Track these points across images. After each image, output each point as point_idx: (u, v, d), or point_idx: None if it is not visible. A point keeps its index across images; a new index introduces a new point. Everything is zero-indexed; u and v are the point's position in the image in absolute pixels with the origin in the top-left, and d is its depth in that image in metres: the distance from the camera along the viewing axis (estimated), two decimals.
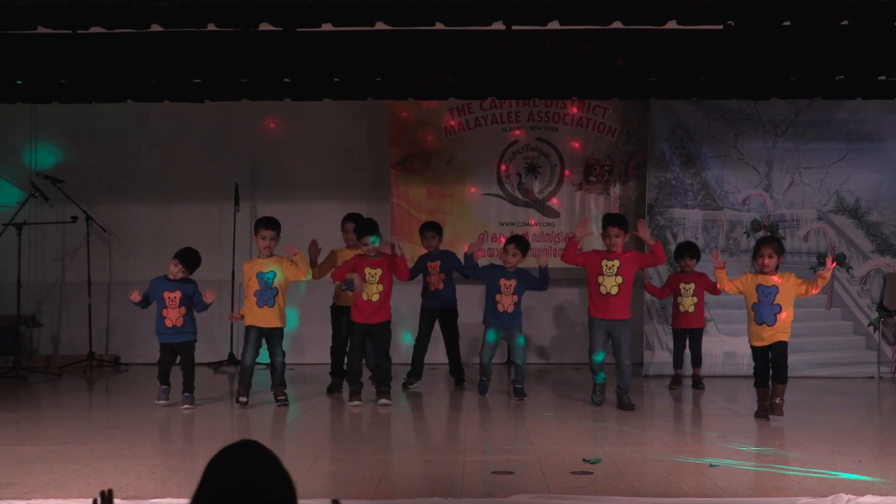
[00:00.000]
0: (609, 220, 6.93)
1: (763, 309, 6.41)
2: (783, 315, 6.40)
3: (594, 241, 9.11)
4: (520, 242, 7.31)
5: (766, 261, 6.40)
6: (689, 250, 7.96)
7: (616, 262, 6.78)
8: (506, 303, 7.22)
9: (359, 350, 7.07)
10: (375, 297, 6.90)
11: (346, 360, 7.49)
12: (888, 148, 8.74)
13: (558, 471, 4.85)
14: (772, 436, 5.99)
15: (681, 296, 7.92)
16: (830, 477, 4.77)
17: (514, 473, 4.81)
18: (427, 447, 5.74)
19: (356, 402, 6.97)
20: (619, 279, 6.77)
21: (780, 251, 6.49)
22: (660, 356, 8.75)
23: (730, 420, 6.85)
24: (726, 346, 8.62)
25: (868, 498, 4.20)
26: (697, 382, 8.02)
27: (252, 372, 7.03)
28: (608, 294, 6.79)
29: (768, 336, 6.43)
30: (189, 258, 7.10)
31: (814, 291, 6.45)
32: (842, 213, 8.75)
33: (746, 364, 8.48)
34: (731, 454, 5.50)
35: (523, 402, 7.25)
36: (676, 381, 8.10)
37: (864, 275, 8.73)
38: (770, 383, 6.49)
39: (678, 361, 8.08)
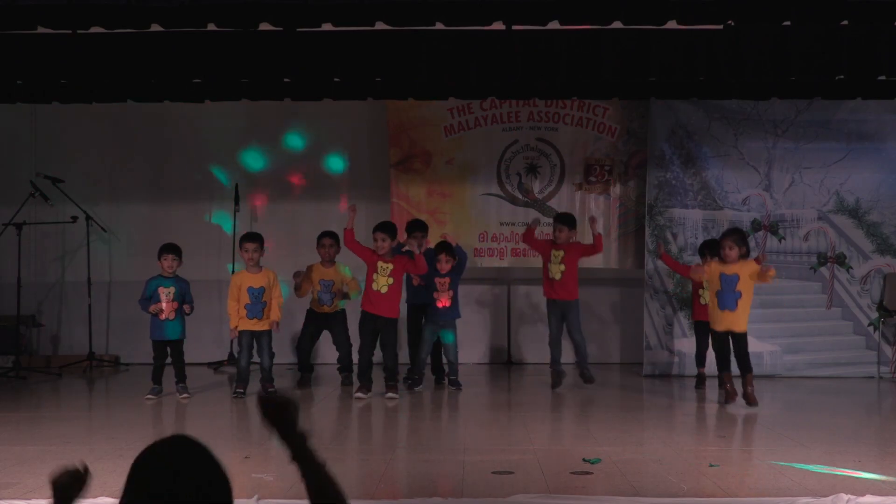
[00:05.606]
0: (557, 220, 8.01)
1: (725, 296, 6.96)
2: (743, 301, 6.95)
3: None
4: (448, 249, 7.75)
5: (727, 251, 6.97)
6: (708, 248, 7.74)
7: (561, 253, 7.83)
8: (443, 300, 7.74)
9: (369, 345, 7.41)
10: (384, 290, 7.34)
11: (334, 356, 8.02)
12: (888, 148, 8.73)
13: (558, 471, 4.86)
14: (772, 436, 5.99)
15: (702, 288, 7.72)
16: (830, 477, 4.77)
17: (514, 473, 4.81)
18: (427, 447, 5.74)
19: (361, 395, 7.32)
20: (563, 267, 7.80)
21: (741, 243, 7.02)
22: (660, 356, 8.75)
23: (730, 420, 6.85)
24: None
25: (868, 498, 4.21)
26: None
27: (248, 372, 7.53)
28: (553, 279, 7.85)
29: (728, 321, 6.98)
30: (174, 248, 7.55)
31: (765, 281, 7.04)
32: (842, 213, 8.74)
33: None
34: (731, 454, 5.51)
35: (460, 391, 7.73)
36: (701, 380, 7.94)
37: (864, 275, 8.72)
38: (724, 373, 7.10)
39: (701, 359, 7.95)
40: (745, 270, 6.95)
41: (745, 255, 7.06)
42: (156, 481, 1.81)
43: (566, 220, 7.95)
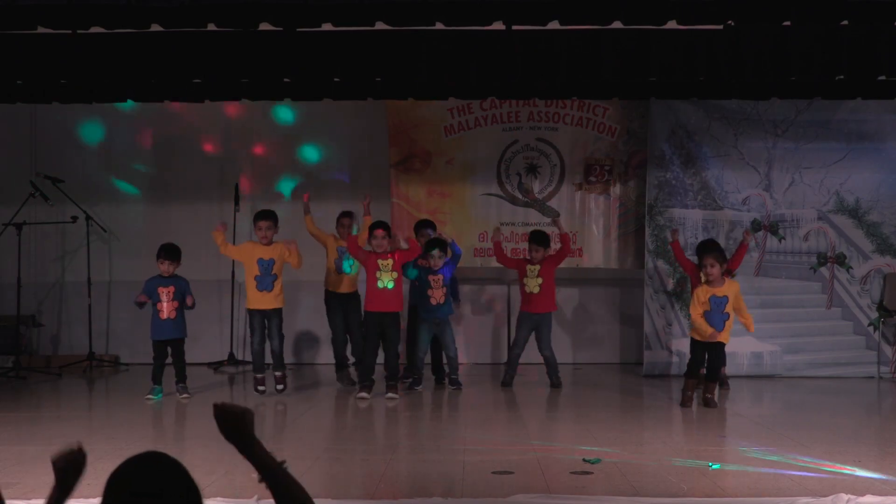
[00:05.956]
0: (533, 240, 8.08)
1: (714, 317, 6.96)
2: (729, 321, 7.00)
3: (594, 244, 9.12)
4: (442, 245, 7.83)
5: (709, 270, 6.97)
6: (704, 248, 7.38)
7: (537, 267, 8.01)
8: (437, 296, 7.76)
9: (376, 347, 7.51)
10: (391, 285, 7.43)
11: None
12: (888, 148, 8.73)
13: (558, 471, 4.86)
14: (772, 436, 5.99)
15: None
16: (830, 477, 4.77)
17: (514, 473, 4.81)
18: (427, 447, 5.74)
19: (364, 395, 7.33)
20: (540, 280, 7.98)
21: (722, 259, 7.11)
22: (660, 356, 8.75)
23: (729, 420, 6.85)
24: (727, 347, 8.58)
25: (868, 498, 4.21)
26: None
27: (263, 355, 7.58)
28: (531, 293, 7.99)
29: (712, 336, 6.98)
30: (172, 252, 7.53)
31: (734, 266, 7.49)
32: (842, 213, 8.74)
33: (746, 364, 8.52)
34: (730, 454, 5.51)
35: (460, 391, 7.75)
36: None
37: (864, 275, 8.72)
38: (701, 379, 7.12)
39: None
40: (731, 291, 7.04)
41: (727, 272, 7.21)
42: (129, 496, 1.85)
43: (542, 241, 8.05)
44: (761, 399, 7.84)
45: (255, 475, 2.14)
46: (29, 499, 4.16)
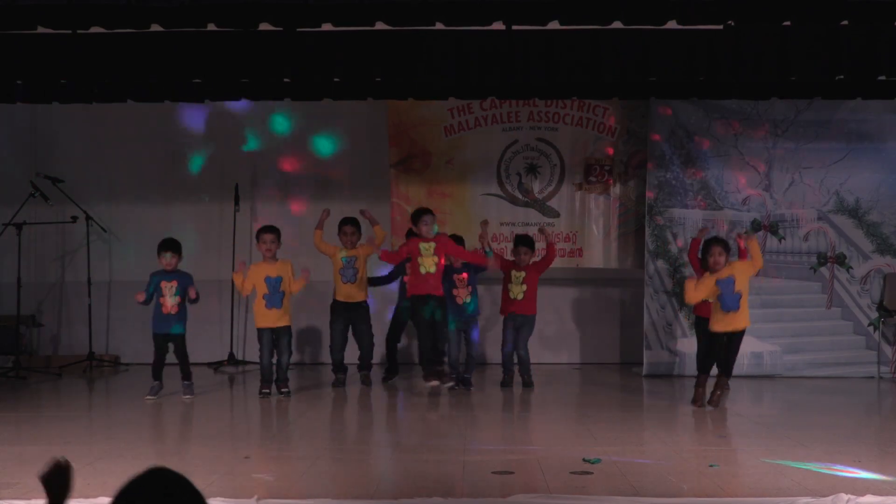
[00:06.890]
0: (520, 242, 8.08)
1: (727, 298, 6.92)
2: (743, 299, 6.96)
3: (594, 244, 9.12)
4: (458, 239, 7.94)
5: (717, 258, 7.00)
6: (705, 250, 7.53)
7: (522, 274, 7.97)
8: (462, 294, 7.86)
9: (426, 331, 7.39)
10: (433, 269, 7.35)
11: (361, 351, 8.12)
12: (888, 148, 8.73)
13: (558, 471, 4.86)
14: (772, 436, 5.99)
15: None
16: (830, 477, 4.77)
17: (514, 473, 4.81)
18: (427, 447, 5.74)
19: (434, 383, 7.38)
20: (524, 287, 7.96)
21: (727, 249, 7.14)
22: (660, 356, 8.75)
23: (729, 420, 6.85)
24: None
25: (868, 498, 4.21)
26: None
27: (270, 370, 7.61)
28: (515, 299, 7.97)
29: (732, 320, 6.93)
30: (172, 244, 7.52)
31: (758, 264, 7.11)
32: (842, 213, 8.74)
33: (746, 364, 8.52)
34: (730, 454, 5.51)
35: (470, 391, 7.77)
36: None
37: (864, 275, 8.72)
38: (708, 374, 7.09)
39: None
40: (736, 270, 7.00)
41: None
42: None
43: (529, 243, 8.05)
44: (761, 399, 7.84)
45: None
46: (29, 499, 4.17)
